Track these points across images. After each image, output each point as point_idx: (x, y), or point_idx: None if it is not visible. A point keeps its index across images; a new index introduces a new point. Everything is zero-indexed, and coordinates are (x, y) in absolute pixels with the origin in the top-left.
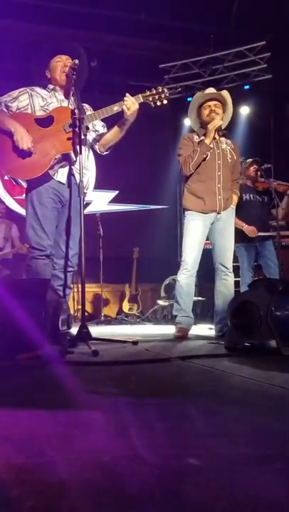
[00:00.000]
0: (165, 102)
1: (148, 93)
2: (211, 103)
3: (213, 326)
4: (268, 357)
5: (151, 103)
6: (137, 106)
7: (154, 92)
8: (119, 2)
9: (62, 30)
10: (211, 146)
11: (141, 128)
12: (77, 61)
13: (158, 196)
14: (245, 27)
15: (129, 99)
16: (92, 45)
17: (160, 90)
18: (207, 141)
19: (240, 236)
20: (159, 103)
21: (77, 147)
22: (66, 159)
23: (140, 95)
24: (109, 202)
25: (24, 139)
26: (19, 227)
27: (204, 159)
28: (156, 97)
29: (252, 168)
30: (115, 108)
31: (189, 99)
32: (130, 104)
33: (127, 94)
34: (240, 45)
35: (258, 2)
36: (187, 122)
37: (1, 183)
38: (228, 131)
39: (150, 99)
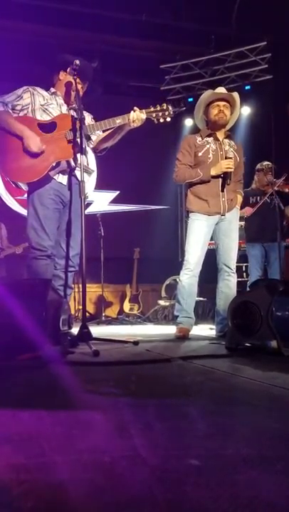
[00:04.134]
0: (168, 119)
1: (152, 109)
2: (220, 103)
3: (214, 326)
4: (268, 357)
5: (154, 119)
6: (140, 123)
7: (158, 108)
8: (120, 3)
9: (64, 31)
10: (212, 146)
11: (141, 128)
12: (78, 62)
13: (159, 196)
14: (245, 27)
15: (134, 115)
16: (93, 45)
17: (164, 108)
18: (213, 173)
19: (248, 236)
20: (162, 120)
21: (78, 149)
22: (67, 165)
23: (144, 110)
24: (110, 202)
25: (35, 143)
26: (20, 228)
27: (205, 160)
28: (160, 114)
29: (268, 176)
30: (118, 121)
31: (190, 99)
32: (135, 122)
33: (136, 109)
34: (241, 45)
35: (258, 3)
36: (188, 123)
37: (2, 183)
38: (231, 133)
39: (154, 115)
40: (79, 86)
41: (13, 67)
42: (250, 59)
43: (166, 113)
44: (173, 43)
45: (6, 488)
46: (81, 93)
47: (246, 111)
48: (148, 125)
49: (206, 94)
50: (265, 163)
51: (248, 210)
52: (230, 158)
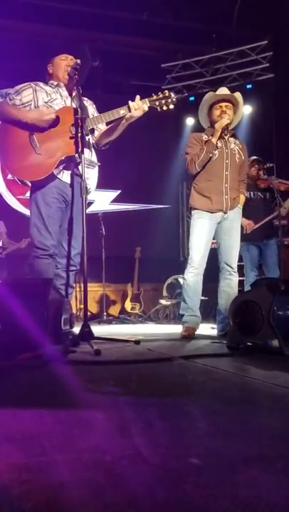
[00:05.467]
0: (171, 106)
1: (155, 97)
2: (223, 104)
3: (215, 326)
4: (269, 356)
5: (158, 107)
6: (142, 112)
7: (160, 96)
8: (121, 2)
9: (65, 30)
10: (219, 145)
11: (143, 127)
12: (79, 61)
13: (160, 195)
14: (247, 26)
15: (136, 104)
16: (95, 44)
17: (167, 95)
18: (214, 139)
19: (243, 235)
20: (165, 108)
21: (79, 147)
22: (71, 160)
23: (147, 99)
24: (112, 201)
25: (47, 116)
26: (21, 226)
27: (210, 159)
28: (163, 101)
29: (253, 169)
30: (122, 111)
31: (192, 98)
32: (137, 110)
33: (138, 97)
34: (243, 44)
35: (259, 1)
36: (189, 122)
37: (3, 182)
38: (235, 132)
39: (156, 103)
40: (72, 62)
41: (13, 66)
42: (251, 58)
43: (169, 100)
44: (174, 42)
45: (7, 487)
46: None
47: (247, 110)
48: (149, 125)
49: (208, 96)
50: (252, 158)
51: (250, 225)
52: (226, 114)
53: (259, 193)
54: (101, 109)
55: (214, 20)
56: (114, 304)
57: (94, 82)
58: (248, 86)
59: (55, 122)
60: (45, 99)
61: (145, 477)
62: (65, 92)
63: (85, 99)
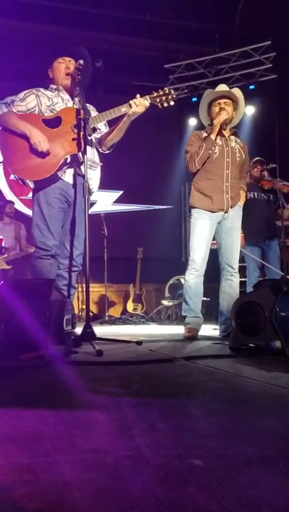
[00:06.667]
0: (172, 103)
1: (155, 94)
2: (221, 101)
3: (217, 327)
4: (272, 358)
5: (158, 104)
6: (143, 108)
7: (160, 93)
8: (124, 2)
9: (67, 30)
10: (219, 142)
11: (145, 128)
12: (82, 61)
13: (162, 196)
14: (250, 27)
15: (137, 101)
16: (97, 45)
17: (167, 91)
18: (212, 136)
19: (246, 236)
20: (166, 104)
21: (83, 148)
22: (74, 160)
23: (148, 96)
24: (114, 202)
25: (42, 142)
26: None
27: (210, 156)
28: (164, 98)
29: (255, 169)
30: (123, 109)
31: (194, 99)
32: (138, 106)
33: (138, 96)
34: (245, 44)
35: (263, 2)
36: (192, 122)
37: (6, 183)
38: (236, 130)
39: (157, 100)
40: (71, 64)
41: (16, 67)
42: (254, 58)
43: (170, 97)
44: (177, 43)
45: (9, 488)
46: (72, 70)
47: (250, 110)
48: (151, 125)
49: (207, 93)
50: (255, 158)
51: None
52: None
53: (262, 194)
54: (103, 109)
55: (217, 21)
56: (116, 305)
57: (96, 82)
58: (251, 87)
59: (57, 123)
60: (47, 103)
61: (147, 478)
62: (66, 96)
63: (88, 104)
